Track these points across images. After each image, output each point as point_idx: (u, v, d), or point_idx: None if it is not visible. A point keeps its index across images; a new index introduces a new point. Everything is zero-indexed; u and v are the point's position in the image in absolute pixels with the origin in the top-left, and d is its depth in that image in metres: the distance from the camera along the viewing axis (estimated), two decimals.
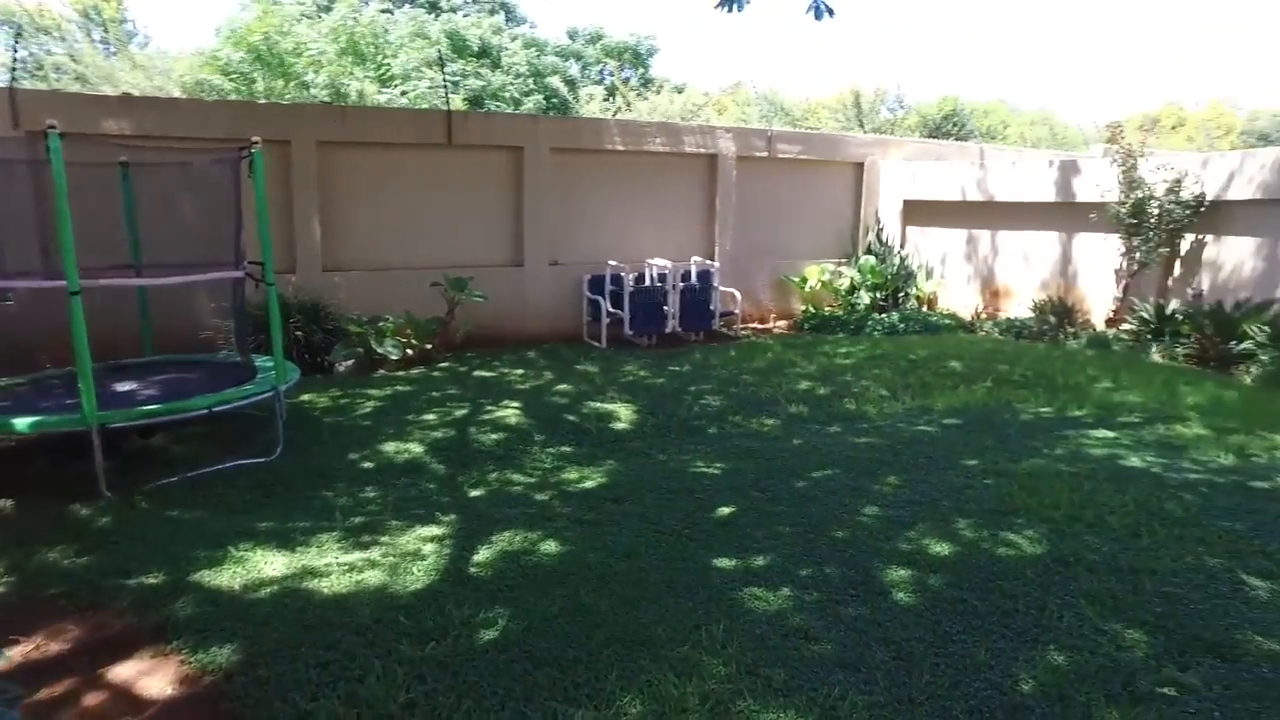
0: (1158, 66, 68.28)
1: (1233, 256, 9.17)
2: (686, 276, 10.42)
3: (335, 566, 3.69)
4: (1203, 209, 9.23)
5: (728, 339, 10.39)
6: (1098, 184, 9.97)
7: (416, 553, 3.85)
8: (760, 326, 11.46)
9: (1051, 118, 32.83)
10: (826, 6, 6.93)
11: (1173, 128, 33.34)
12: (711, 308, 10.44)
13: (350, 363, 8.39)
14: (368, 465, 5.42)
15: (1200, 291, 9.39)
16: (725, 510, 4.45)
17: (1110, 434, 5.84)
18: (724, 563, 3.74)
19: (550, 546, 3.93)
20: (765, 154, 11.51)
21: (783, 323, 11.65)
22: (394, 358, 8.47)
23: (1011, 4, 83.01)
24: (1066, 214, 10.64)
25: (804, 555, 3.83)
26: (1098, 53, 74.64)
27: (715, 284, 10.50)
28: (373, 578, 3.56)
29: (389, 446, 5.74)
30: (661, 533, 4.12)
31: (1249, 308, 8.44)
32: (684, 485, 4.86)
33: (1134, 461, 5.18)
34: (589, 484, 5.01)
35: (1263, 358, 7.76)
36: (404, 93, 16.10)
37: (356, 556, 3.82)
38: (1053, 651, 3.00)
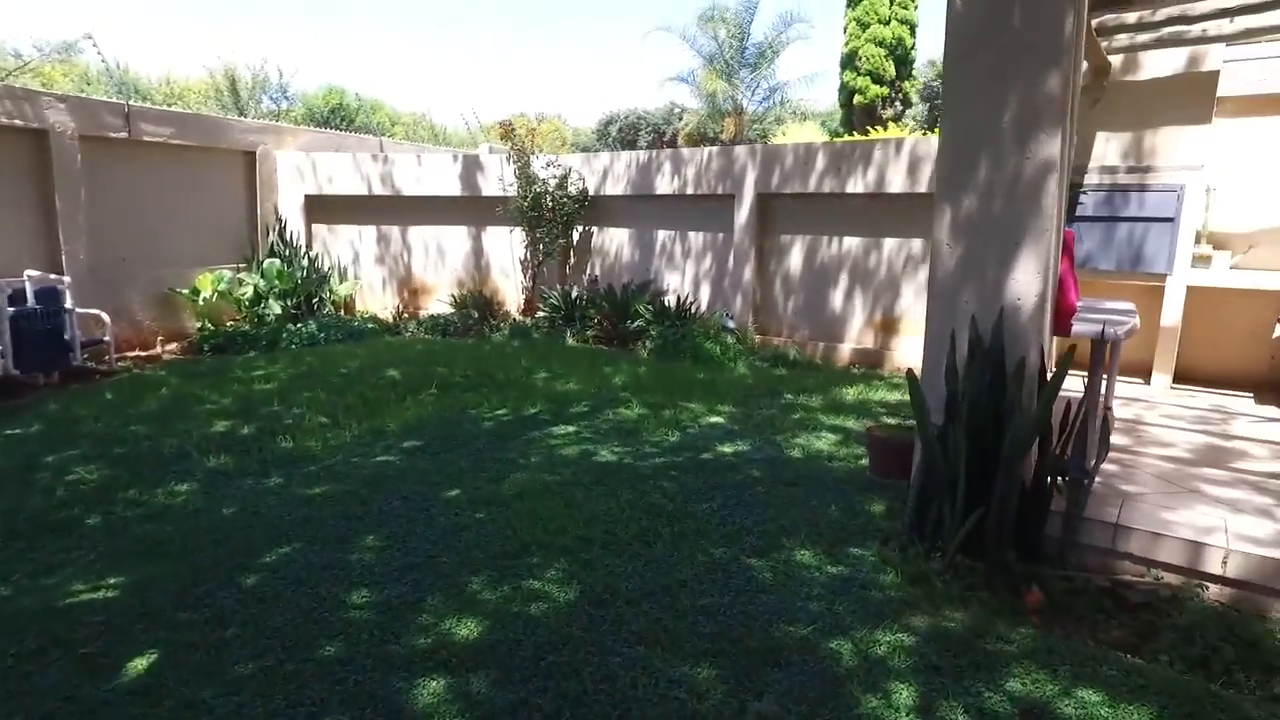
0: (505, 79, 78.55)
1: (614, 245, 10.39)
2: (19, 298, 7.31)
3: None
4: (587, 203, 10.24)
5: (98, 377, 7.68)
6: (500, 179, 10.27)
7: None
8: (145, 354, 8.86)
9: (427, 119, 34.48)
10: None
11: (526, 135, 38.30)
12: (67, 338, 7.55)
13: None
14: None
15: (595, 278, 10.44)
16: (140, 663, 2.82)
17: (571, 429, 5.77)
18: None
19: None
20: (125, 135, 8.83)
21: (174, 346, 9.24)
22: None
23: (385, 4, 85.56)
24: (474, 208, 10.76)
25: (282, 708, 2.56)
26: (458, 61, 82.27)
27: (69, 305, 7.62)
28: None
29: None
30: None
31: (634, 290, 9.63)
32: (51, 636, 2.99)
33: (606, 455, 5.14)
34: None
35: (651, 332, 8.90)
36: None
37: None
38: None
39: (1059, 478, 3.52)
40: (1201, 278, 6.24)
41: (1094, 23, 5.57)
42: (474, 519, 4.08)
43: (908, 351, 8.08)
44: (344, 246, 11.18)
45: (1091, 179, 6.52)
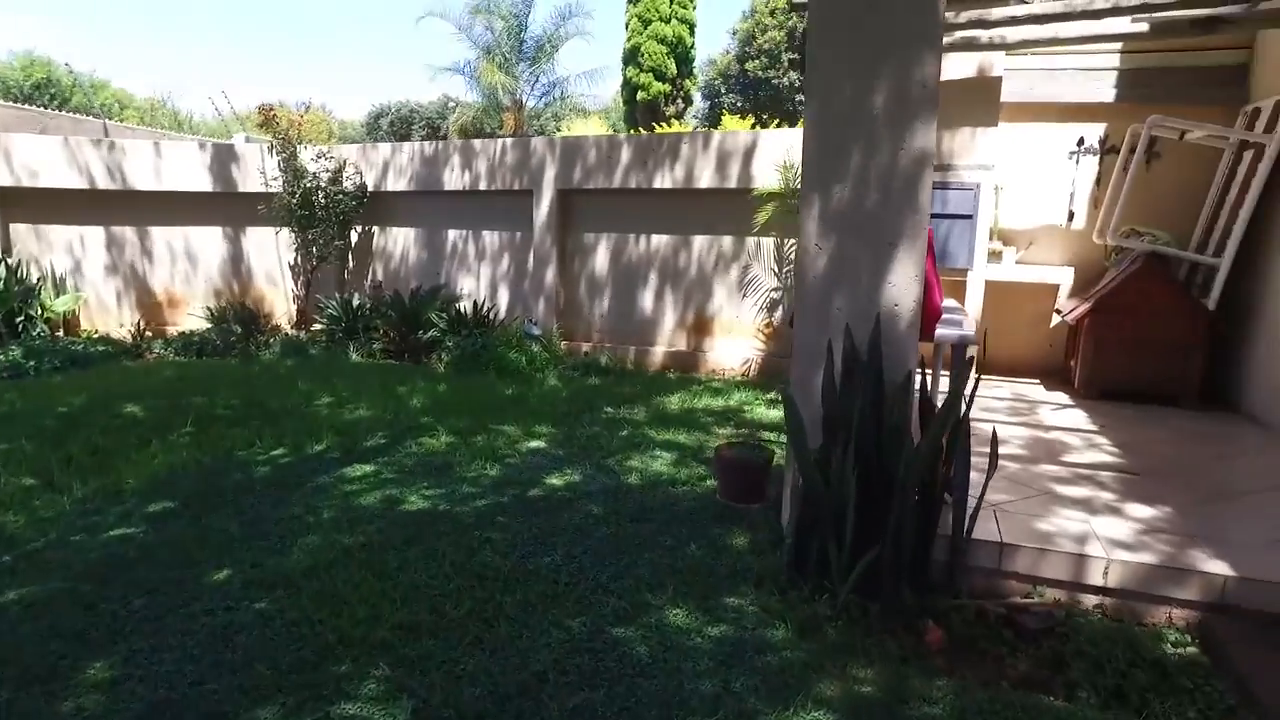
0: (260, 67, 71.09)
1: (399, 246, 9.30)
2: None
3: None
4: (366, 200, 9.07)
5: None
6: (262, 172, 8.80)
7: None
8: None
9: (168, 104, 30.14)
10: None
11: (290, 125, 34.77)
12: None
13: None
14: None
15: (379, 283, 9.29)
16: None
17: (368, 468, 4.82)
18: None
19: None
20: None
21: None
22: None
23: None
24: (232, 206, 9.17)
25: None
26: (206, 45, 73.26)
27: None
28: None
29: None
30: None
31: (424, 296, 8.64)
32: None
33: (416, 502, 4.27)
34: None
35: (448, 343, 8.00)
36: None
37: None
38: None
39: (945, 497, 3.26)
40: (995, 272, 6.53)
41: None
42: (253, 613, 3.10)
43: (722, 353, 7.88)
44: (59, 253, 9.09)
45: None
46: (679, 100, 21.30)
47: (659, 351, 8.12)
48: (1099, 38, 5.82)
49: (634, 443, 5.36)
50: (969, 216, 6.42)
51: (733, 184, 7.55)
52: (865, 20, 3.06)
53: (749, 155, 7.45)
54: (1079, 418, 5.41)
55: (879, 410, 3.15)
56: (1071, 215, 6.78)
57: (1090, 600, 3.15)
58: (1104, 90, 6.46)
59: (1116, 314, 5.75)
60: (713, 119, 19.91)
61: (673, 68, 20.53)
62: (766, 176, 7.34)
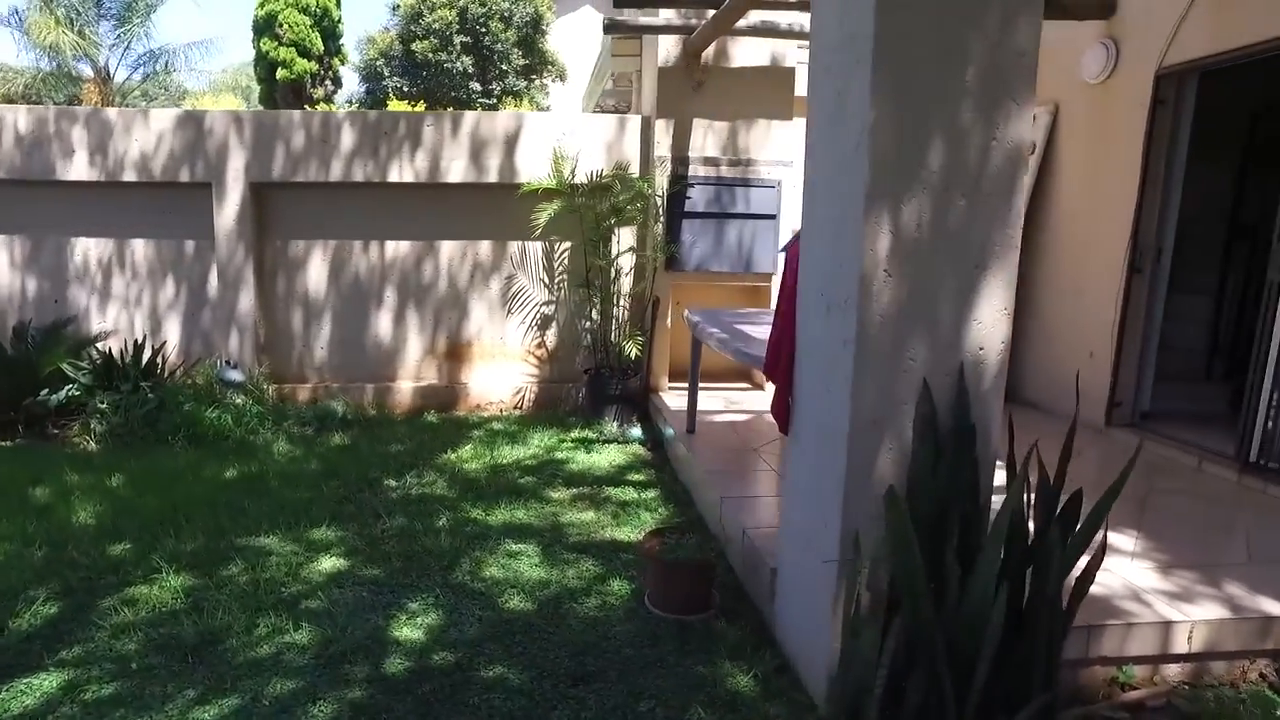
0: None
1: None
2: None
3: None
4: None
5: None
6: None
7: None
8: None
9: None
10: None
11: None
12: None
13: None
14: None
15: None
16: None
17: (47, 684, 2.74)
18: None
19: None
20: None
21: None
22: None
23: None
24: None
25: None
26: None
27: None
28: None
29: None
30: None
31: (41, 336, 5.87)
32: None
33: None
34: None
35: (101, 406, 5.46)
36: None
37: None
38: None
39: None
40: None
41: None
42: None
43: (488, 383, 6.54)
44: None
45: (696, 171, 5.92)
46: (328, 81, 18.41)
47: (405, 388, 6.48)
48: None
49: (470, 537, 3.90)
50: (773, 216, 6.00)
51: (493, 177, 6.22)
52: None
53: (512, 143, 6.18)
54: None
55: (975, 499, 2.34)
56: None
57: (1171, 670, 2.73)
58: None
59: None
60: (376, 105, 17.52)
61: (319, 43, 17.55)
62: (534, 169, 6.15)
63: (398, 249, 6.37)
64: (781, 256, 5.46)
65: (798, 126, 6.12)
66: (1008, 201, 2.30)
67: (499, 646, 2.91)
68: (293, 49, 16.84)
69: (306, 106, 14.14)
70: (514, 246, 6.43)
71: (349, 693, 2.61)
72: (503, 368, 6.59)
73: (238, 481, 4.63)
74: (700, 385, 5.08)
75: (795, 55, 5.94)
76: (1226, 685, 2.69)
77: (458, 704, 2.56)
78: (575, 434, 5.72)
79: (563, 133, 6.15)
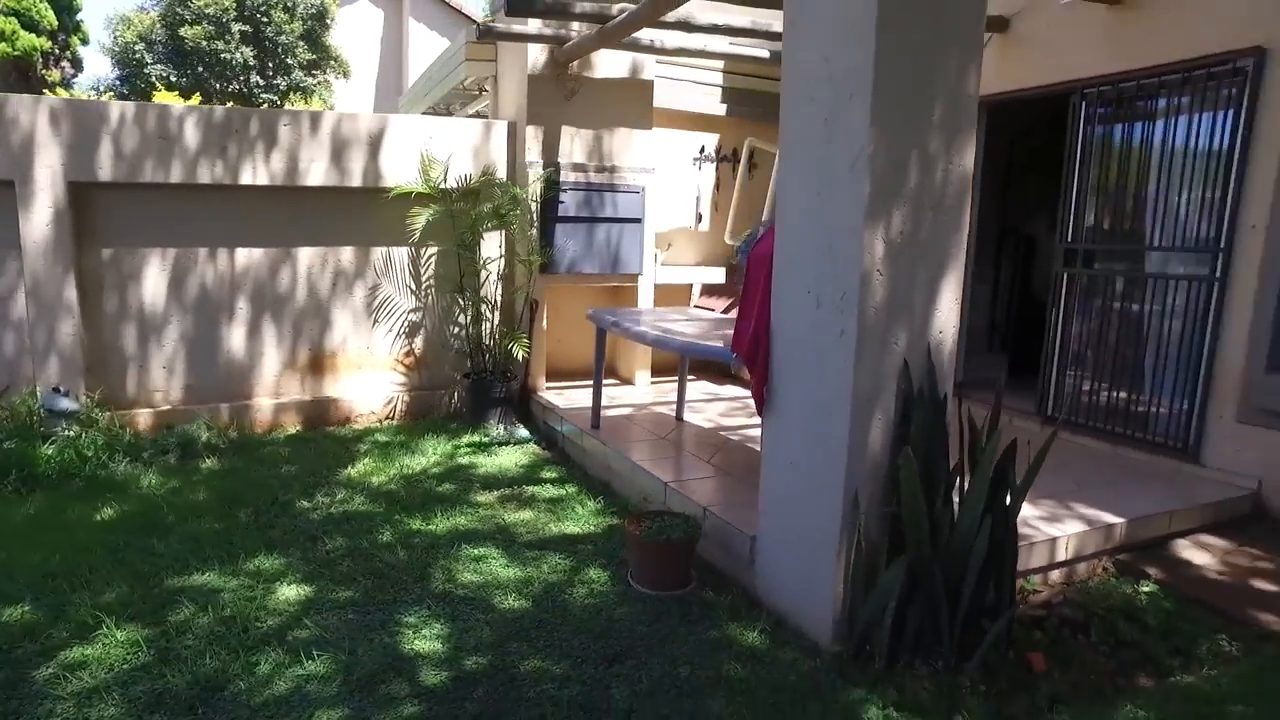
0: None
1: None
2: None
3: None
4: None
5: None
6: None
7: None
8: None
9: None
10: None
11: None
12: None
13: None
14: None
15: None
16: None
17: None
18: None
19: None
20: None
21: None
22: None
23: None
24: None
25: None
26: None
27: None
28: None
29: None
30: None
31: None
32: None
33: None
34: None
35: None
36: None
37: None
38: None
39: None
40: (657, 275, 6.66)
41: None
42: None
43: (356, 394, 6.31)
44: None
45: (567, 177, 6.13)
46: (65, 63, 15.72)
47: (265, 405, 6.04)
48: (740, 58, 6.30)
49: (423, 548, 3.89)
50: (638, 220, 6.39)
51: (356, 181, 5.98)
52: (919, 23, 2.67)
53: (375, 145, 5.99)
54: None
55: (947, 456, 2.90)
56: (700, 218, 7.31)
57: (1055, 576, 3.52)
58: (716, 105, 7.07)
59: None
60: (137, 94, 15.14)
61: (51, 18, 14.90)
62: (399, 173, 6.03)
63: (250, 257, 5.92)
64: (743, 259, 5.92)
65: (656, 135, 6.57)
66: (960, 215, 2.88)
67: (522, 643, 3.03)
68: (14, 19, 14.13)
69: (45, 92, 12.08)
70: (378, 253, 6.23)
71: (403, 709, 2.62)
72: (371, 378, 6.37)
73: (122, 521, 4.15)
74: (578, 384, 5.34)
75: (654, 69, 6.36)
76: (1090, 580, 3.53)
77: (517, 700, 2.68)
78: (466, 439, 5.73)
79: (429, 136, 6.07)
